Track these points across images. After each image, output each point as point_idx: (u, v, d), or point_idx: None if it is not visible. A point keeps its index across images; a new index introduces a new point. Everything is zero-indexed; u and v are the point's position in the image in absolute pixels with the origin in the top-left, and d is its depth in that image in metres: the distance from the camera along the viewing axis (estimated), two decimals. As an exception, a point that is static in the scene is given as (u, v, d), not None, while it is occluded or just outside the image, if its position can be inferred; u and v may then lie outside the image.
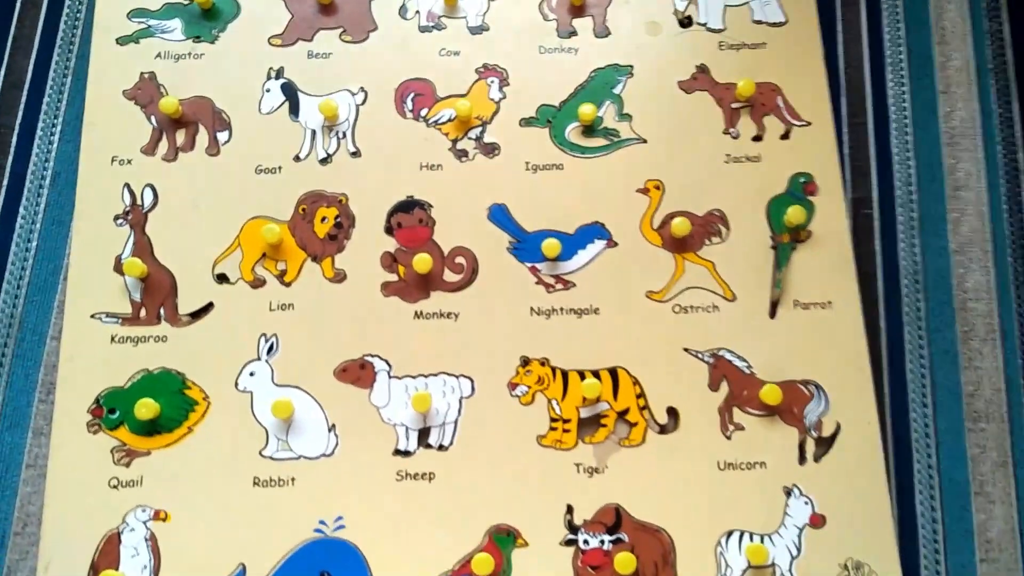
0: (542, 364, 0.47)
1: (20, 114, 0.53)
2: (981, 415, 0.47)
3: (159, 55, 0.53)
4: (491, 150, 0.51)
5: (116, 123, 0.51)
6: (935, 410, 0.47)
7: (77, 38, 0.55)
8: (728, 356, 0.47)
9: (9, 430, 0.47)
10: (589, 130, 0.51)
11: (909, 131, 0.53)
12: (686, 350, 0.47)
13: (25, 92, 0.53)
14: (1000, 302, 0.49)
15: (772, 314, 0.48)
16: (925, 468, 0.47)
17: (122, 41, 0.53)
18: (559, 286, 0.48)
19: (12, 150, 0.52)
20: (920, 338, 0.49)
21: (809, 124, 0.51)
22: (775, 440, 0.46)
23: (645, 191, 0.50)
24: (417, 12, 0.54)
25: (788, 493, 0.45)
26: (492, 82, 0.52)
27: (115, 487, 0.44)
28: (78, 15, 0.55)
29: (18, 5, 0.55)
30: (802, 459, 0.45)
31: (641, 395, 0.46)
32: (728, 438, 0.46)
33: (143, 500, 0.44)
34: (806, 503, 0.44)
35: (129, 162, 0.50)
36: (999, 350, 0.48)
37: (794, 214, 0.48)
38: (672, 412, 0.46)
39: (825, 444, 0.46)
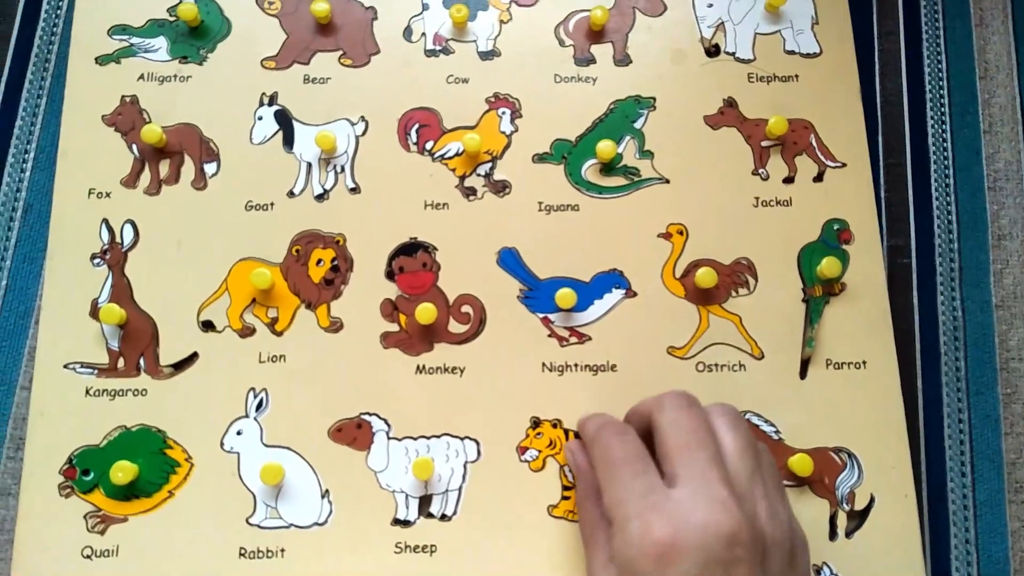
0: (554, 426, 0.43)
1: (-10, 138, 0.49)
2: (1023, 486, 0.44)
3: (142, 77, 0.48)
4: (501, 188, 0.47)
5: (94, 152, 0.47)
6: (974, 480, 0.44)
7: (53, 56, 0.50)
8: (755, 420, 0.44)
9: (-26, 488, 0.43)
10: (608, 168, 0.47)
11: (950, 174, 0.49)
12: (710, 412, 0.44)
13: (-4, 113, 0.49)
14: (1045, 363, 0.46)
15: (803, 374, 0.44)
16: (963, 544, 0.43)
17: (102, 61, 0.48)
18: (573, 339, 0.45)
19: (-19, 177, 0.48)
20: (960, 401, 0.45)
21: (844, 165, 0.48)
22: (804, 513, 0.42)
23: (667, 236, 0.46)
24: (423, 35, 0.50)
25: (818, 572, 0.41)
26: (503, 113, 0.48)
27: (88, 557, 0.41)
28: (54, 31, 0.51)
29: (-11, 17, 0.51)
30: (833, 534, 0.42)
31: (661, 461, 0.43)
32: (754, 510, 0.42)
33: (119, 571, 0.41)
34: (837, 583, 0.41)
35: (108, 195, 0.46)
36: (1044, 416, 0.45)
37: (828, 267, 0.44)
38: (694, 481, 0.43)
39: (858, 518, 0.42)
